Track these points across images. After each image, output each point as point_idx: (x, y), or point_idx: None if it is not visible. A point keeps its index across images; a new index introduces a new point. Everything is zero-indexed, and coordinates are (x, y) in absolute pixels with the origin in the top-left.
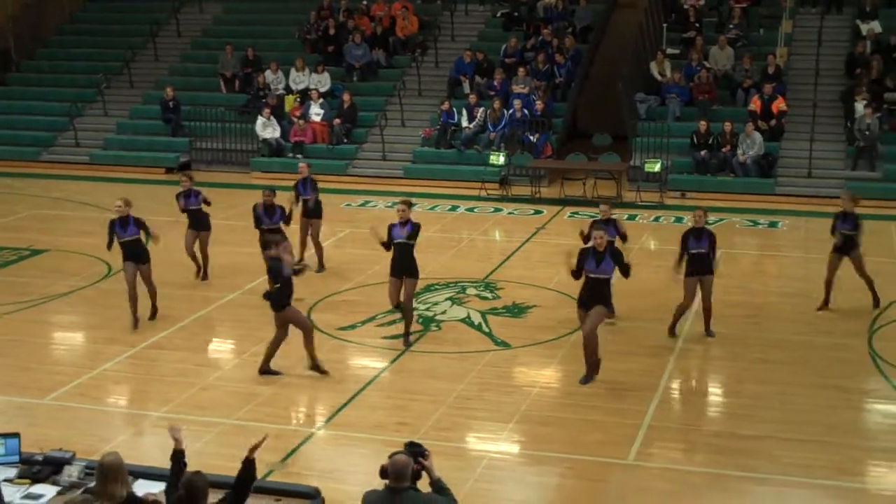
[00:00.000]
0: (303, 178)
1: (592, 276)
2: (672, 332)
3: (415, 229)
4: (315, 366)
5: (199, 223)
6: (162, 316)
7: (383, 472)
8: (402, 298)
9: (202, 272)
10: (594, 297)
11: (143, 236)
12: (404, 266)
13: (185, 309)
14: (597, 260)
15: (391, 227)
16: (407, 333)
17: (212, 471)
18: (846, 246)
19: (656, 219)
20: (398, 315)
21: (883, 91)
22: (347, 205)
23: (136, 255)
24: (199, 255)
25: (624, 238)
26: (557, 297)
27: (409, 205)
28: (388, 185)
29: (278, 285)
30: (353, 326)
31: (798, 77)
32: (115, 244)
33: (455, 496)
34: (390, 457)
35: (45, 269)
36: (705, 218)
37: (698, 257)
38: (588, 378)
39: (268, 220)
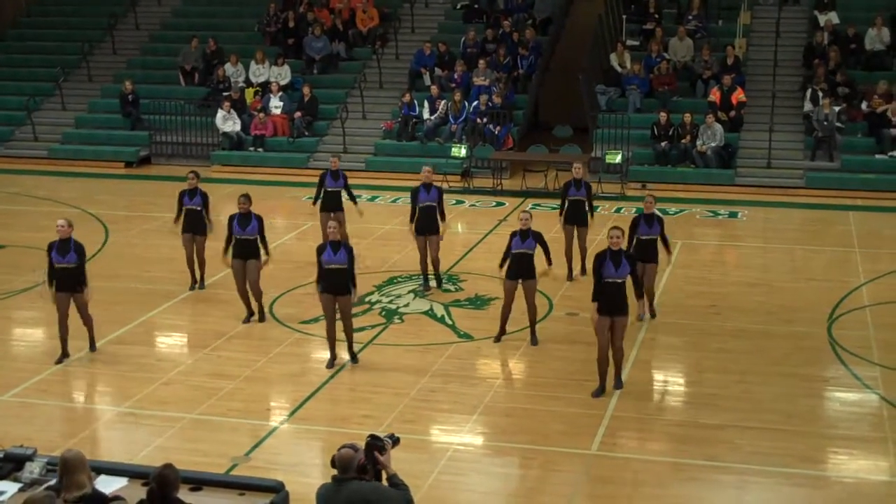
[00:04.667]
0: (333, 171)
1: (610, 280)
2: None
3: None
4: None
5: (195, 226)
6: (123, 311)
7: (333, 463)
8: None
9: (200, 282)
10: (616, 303)
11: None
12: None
13: (146, 303)
14: (615, 263)
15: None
16: (426, 281)
17: (175, 466)
18: (578, 216)
19: (618, 210)
20: (361, 308)
21: (838, 84)
22: (308, 198)
23: (73, 284)
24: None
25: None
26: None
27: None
28: (350, 178)
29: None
30: (315, 320)
31: (757, 68)
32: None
33: (411, 491)
34: (339, 449)
35: (4, 264)
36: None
37: (648, 243)
38: (600, 391)
39: (240, 231)
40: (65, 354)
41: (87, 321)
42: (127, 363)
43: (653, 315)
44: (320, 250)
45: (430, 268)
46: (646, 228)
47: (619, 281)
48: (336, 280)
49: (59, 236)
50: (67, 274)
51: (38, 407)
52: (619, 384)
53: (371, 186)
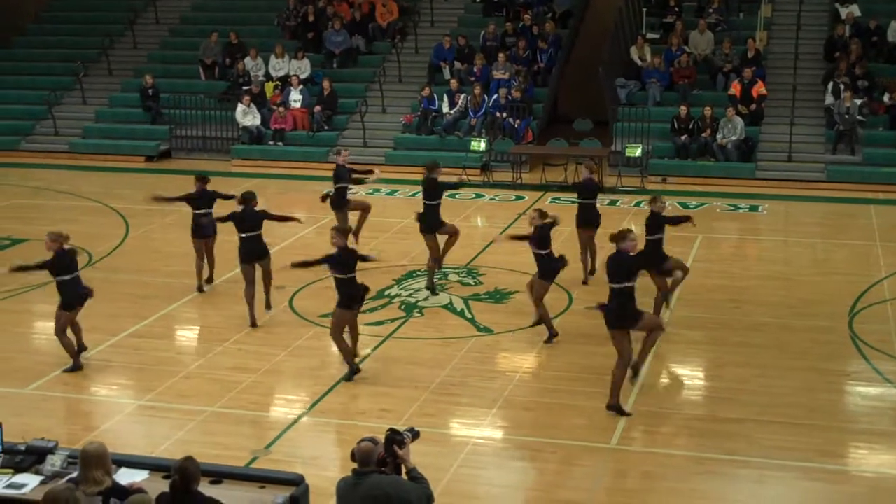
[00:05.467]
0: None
1: (616, 287)
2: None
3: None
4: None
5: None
6: (143, 304)
7: (353, 457)
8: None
9: (208, 278)
10: (623, 314)
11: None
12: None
13: (166, 297)
14: None
15: None
16: (432, 282)
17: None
18: (591, 218)
19: (637, 204)
20: (380, 302)
21: (859, 77)
22: (328, 192)
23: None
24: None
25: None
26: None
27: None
28: None
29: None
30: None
31: (778, 61)
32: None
33: (430, 485)
34: (359, 443)
35: (26, 258)
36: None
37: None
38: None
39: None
40: (81, 348)
41: (58, 335)
42: (147, 356)
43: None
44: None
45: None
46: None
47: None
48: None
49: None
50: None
51: (60, 400)
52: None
53: (390, 180)
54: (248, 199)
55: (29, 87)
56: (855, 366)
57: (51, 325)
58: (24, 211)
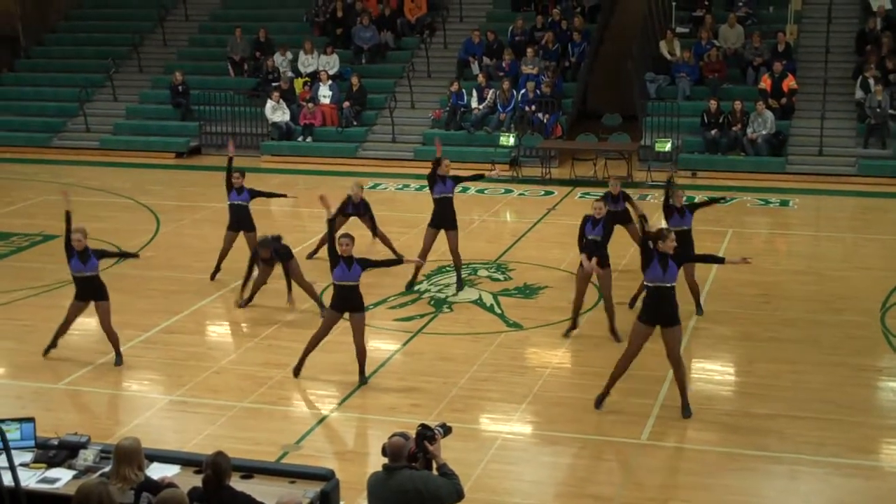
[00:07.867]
0: (354, 203)
1: (655, 284)
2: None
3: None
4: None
5: (240, 222)
6: (174, 300)
7: (383, 452)
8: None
9: (214, 272)
10: (662, 310)
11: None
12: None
13: (198, 293)
14: (662, 265)
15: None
16: (459, 279)
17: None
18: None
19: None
20: (409, 297)
21: (890, 71)
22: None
23: (95, 292)
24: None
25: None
26: (569, 277)
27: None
28: (398, 168)
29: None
30: (366, 308)
31: (808, 55)
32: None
33: (461, 480)
34: (389, 438)
35: (58, 254)
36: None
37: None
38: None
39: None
40: (52, 345)
41: (111, 335)
42: (178, 352)
43: (699, 311)
44: (332, 264)
45: (419, 266)
46: (678, 219)
47: (668, 286)
48: (347, 296)
49: (77, 248)
50: (87, 282)
51: (92, 395)
52: (686, 411)
53: (419, 176)
54: None
55: (60, 84)
56: (887, 361)
57: (82, 321)
58: (56, 207)
